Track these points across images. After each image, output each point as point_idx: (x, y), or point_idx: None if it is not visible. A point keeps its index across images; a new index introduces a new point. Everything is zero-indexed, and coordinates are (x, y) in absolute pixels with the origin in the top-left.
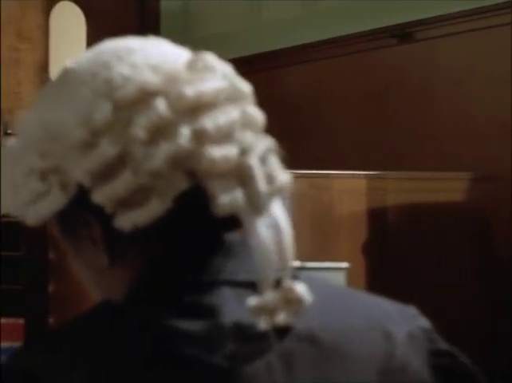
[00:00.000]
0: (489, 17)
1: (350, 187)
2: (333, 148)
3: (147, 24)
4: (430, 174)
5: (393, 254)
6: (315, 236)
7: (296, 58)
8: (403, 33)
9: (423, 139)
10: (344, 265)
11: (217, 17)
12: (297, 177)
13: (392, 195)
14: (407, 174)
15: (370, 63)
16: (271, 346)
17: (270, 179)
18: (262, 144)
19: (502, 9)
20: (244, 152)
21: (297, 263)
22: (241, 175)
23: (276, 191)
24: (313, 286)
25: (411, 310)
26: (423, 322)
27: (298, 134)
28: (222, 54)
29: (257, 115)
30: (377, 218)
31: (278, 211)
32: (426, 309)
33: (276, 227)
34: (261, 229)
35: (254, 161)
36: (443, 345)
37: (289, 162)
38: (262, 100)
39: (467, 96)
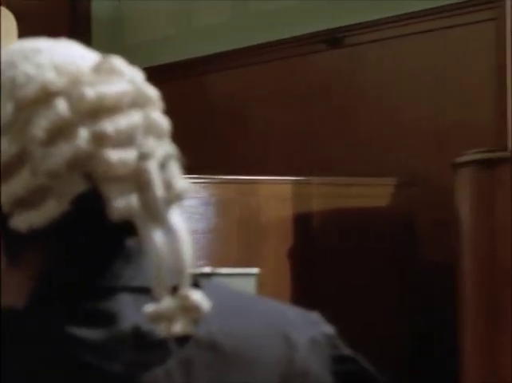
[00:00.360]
0: (416, 24)
1: (276, 193)
2: (263, 152)
3: (78, 29)
4: (355, 179)
5: (319, 259)
6: (242, 242)
7: (227, 63)
8: (332, 39)
9: (351, 144)
10: (255, 271)
11: (148, 23)
12: (224, 183)
13: (318, 200)
14: (332, 179)
15: (299, 68)
16: (171, 353)
17: (168, 185)
18: (163, 150)
19: (429, 15)
20: (143, 156)
21: (207, 269)
22: (138, 180)
23: (174, 198)
24: (214, 292)
25: (315, 316)
26: (326, 328)
27: (228, 139)
28: (153, 59)
29: (162, 121)
30: (303, 223)
31: (177, 217)
32: (350, 315)
33: (173, 234)
34: (157, 235)
35: (152, 166)
36: (346, 350)
37: (221, 166)
38: (193, 106)
39: (394, 101)
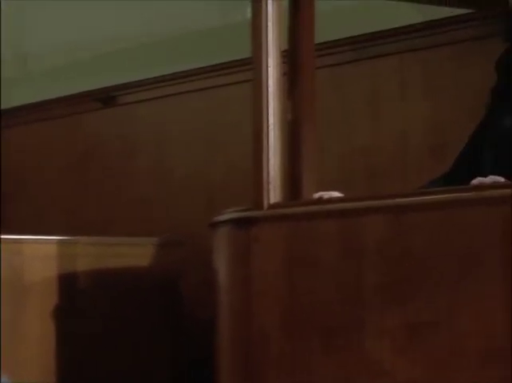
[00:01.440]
0: (186, 83)
1: (41, 252)
2: (41, 211)
3: None
4: (119, 239)
5: (84, 320)
6: (6, 302)
7: (8, 121)
8: (105, 97)
9: (126, 203)
10: None
11: None
12: None
13: (83, 260)
14: (97, 239)
15: (75, 126)
16: None
17: None
18: None
19: (199, 75)
20: None
21: None
22: None
23: None
24: None
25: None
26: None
27: (5, 196)
28: None
29: None
30: (68, 283)
31: None
32: (117, 375)
33: None
34: None
35: None
36: None
37: None
38: None
39: (167, 160)
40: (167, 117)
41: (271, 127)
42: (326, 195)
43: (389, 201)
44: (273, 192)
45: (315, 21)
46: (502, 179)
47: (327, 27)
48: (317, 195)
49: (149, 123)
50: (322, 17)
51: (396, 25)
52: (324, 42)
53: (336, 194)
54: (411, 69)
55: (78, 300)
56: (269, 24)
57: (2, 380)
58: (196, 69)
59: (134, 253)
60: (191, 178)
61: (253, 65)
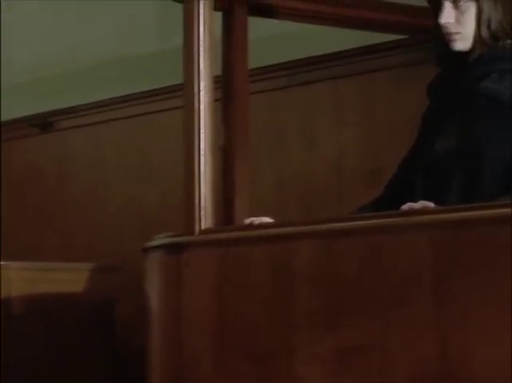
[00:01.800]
0: (121, 109)
1: None
2: None
3: None
4: (53, 264)
5: (21, 345)
6: None
7: None
8: (43, 123)
9: (63, 229)
10: None
11: None
12: None
13: (17, 284)
14: (31, 264)
15: (13, 152)
16: None
17: None
18: None
19: (135, 100)
20: None
21: None
22: None
23: None
24: None
25: None
26: None
27: None
28: None
29: None
30: (2, 308)
31: None
32: None
33: None
34: None
35: None
36: None
37: None
38: None
39: (101, 185)
40: (102, 143)
41: (202, 152)
42: (257, 220)
43: (319, 226)
44: (205, 218)
45: (248, 47)
46: (431, 204)
47: (261, 53)
48: (248, 221)
49: (85, 149)
50: (256, 42)
51: (330, 51)
52: (258, 68)
53: (267, 219)
54: (345, 95)
55: (11, 325)
56: (201, 48)
57: None
58: (132, 94)
59: (69, 278)
60: (127, 203)
61: (184, 89)
